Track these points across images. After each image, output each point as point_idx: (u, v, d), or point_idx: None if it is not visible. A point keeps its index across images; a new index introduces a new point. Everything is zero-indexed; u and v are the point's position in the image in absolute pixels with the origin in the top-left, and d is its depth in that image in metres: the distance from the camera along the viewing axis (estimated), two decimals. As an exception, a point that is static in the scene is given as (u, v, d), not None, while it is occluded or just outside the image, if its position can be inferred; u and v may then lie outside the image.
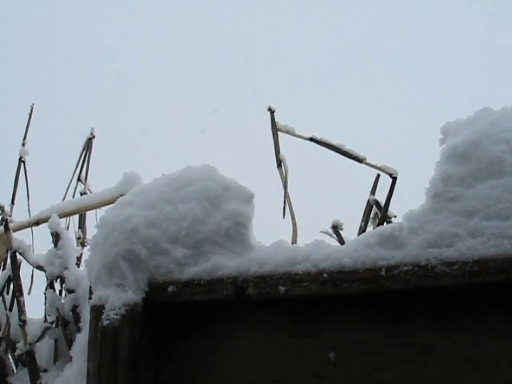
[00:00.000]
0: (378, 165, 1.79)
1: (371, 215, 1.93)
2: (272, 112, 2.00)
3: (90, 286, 1.66)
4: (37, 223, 2.03)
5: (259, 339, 1.49)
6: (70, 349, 1.76)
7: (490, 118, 1.48)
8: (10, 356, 2.00)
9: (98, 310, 1.52)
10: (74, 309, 1.85)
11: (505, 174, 1.37)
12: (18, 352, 1.91)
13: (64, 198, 2.34)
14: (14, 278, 1.92)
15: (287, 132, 1.98)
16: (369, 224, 1.91)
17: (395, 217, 1.84)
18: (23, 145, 2.44)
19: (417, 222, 1.39)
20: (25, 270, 1.99)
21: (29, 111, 2.51)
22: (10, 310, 2.00)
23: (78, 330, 1.79)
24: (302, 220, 1.90)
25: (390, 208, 1.75)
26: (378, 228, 1.46)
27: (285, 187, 1.93)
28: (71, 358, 1.71)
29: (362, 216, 1.90)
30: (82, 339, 1.67)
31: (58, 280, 1.91)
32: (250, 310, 1.50)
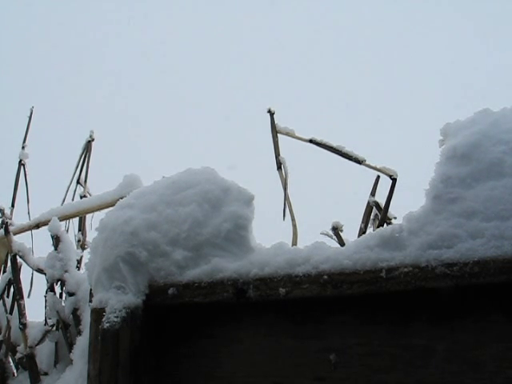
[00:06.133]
0: (378, 166, 1.79)
1: (371, 217, 1.93)
2: (272, 114, 2.00)
3: (91, 289, 1.66)
4: (37, 226, 2.03)
5: (260, 341, 1.48)
6: (70, 352, 1.76)
7: (489, 119, 1.48)
8: (10, 359, 2.00)
9: (98, 313, 1.52)
10: (75, 312, 1.85)
11: (505, 175, 1.37)
12: (18, 355, 1.90)
13: (64, 201, 2.35)
14: (15, 281, 1.93)
15: (287, 134, 1.98)
16: (369, 225, 1.91)
17: (395, 218, 1.84)
18: (23, 148, 2.44)
19: (417, 224, 1.39)
20: (25, 273, 2.00)
21: (28, 114, 2.52)
22: (11, 313, 2.00)
23: (79, 332, 1.79)
24: (302, 222, 1.91)
25: (389, 209, 1.75)
26: (378, 229, 1.46)
27: (285, 189, 1.93)
28: (72, 361, 1.71)
29: (361, 217, 1.90)
30: (82, 342, 1.67)
31: (59, 283, 1.91)
32: (251, 313, 1.50)
